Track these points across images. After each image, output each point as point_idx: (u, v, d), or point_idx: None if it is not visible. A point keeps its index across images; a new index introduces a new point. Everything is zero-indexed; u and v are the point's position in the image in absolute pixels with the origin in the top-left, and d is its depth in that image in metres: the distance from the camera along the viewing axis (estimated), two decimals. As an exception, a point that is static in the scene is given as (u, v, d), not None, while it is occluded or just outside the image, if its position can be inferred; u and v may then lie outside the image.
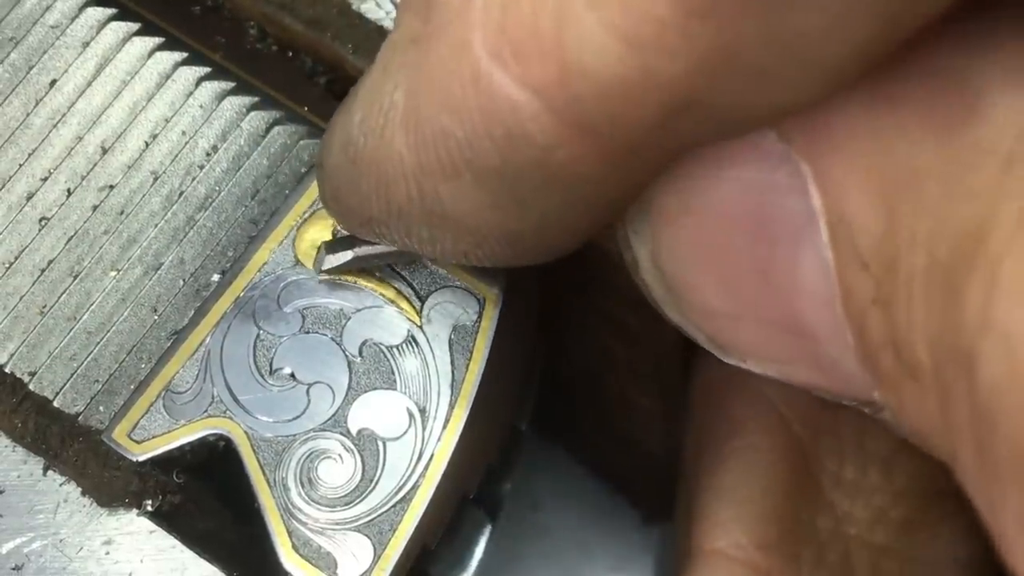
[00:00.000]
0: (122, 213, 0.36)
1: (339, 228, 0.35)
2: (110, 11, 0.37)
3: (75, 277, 0.35)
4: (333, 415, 0.34)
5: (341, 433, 0.34)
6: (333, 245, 0.35)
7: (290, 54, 0.39)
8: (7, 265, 0.35)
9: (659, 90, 0.23)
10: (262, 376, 0.34)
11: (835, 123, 0.24)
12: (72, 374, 0.35)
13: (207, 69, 0.37)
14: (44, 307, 0.35)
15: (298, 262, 0.35)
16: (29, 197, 0.36)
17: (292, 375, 0.35)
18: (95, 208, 0.36)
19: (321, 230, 0.36)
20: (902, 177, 0.23)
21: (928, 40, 0.23)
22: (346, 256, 0.34)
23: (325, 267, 0.35)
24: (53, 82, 0.37)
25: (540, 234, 0.28)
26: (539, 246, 0.29)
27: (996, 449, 0.22)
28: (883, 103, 0.24)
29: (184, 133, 0.36)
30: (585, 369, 0.44)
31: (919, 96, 0.23)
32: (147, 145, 0.36)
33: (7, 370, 0.35)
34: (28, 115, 0.36)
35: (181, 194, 0.36)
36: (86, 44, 0.37)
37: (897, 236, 0.23)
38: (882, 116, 0.24)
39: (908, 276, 0.23)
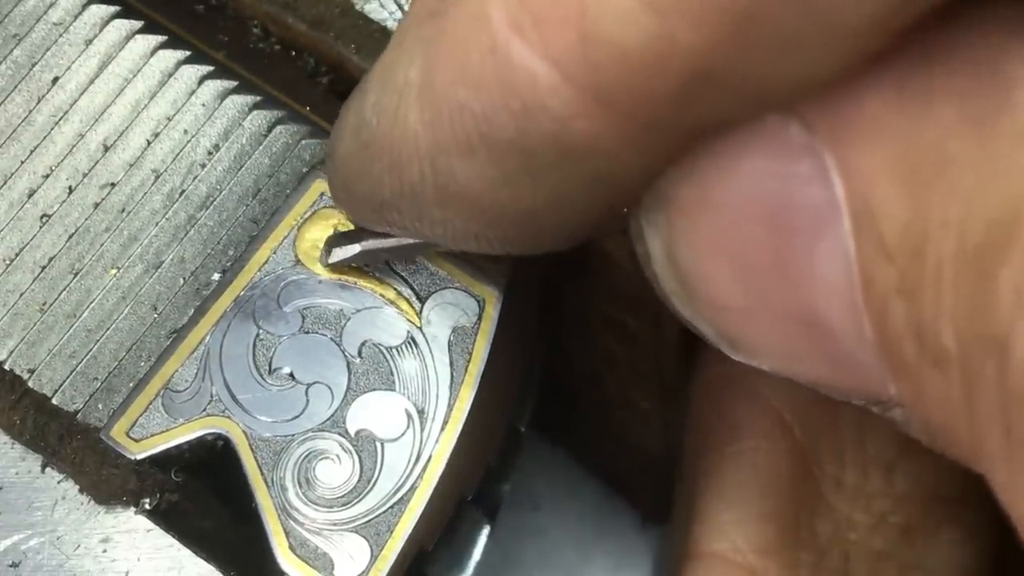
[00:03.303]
0: (123, 211, 0.36)
1: (340, 229, 0.35)
2: (113, 9, 0.37)
3: (75, 275, 0.35)
4: (332, 415, 0.34)
5: (339, 434, 0.34)
6: (340, 239, 0.35)
7: (293, 54, 0.39)
8: (8, 262, 0.35)
9: (681, 59, 0.23)
10: (261, 376, 0.34)
11: (861, 111, 0.24)
12: (71, 371, 0.35)
13: (209, 68, 0.37)
14: (44, 304, 0.35)
15: (298, 262, 0.35)
16: (30, 194, 0.36)
17: (291, 375, 0.35)
18: (96, 206, 0.36)
19: (322, 230, 0.36)
20: (932, 164, 0.23)
21: (959, 24, 0.23)
22: (353, 249, 0.34)
23: (332, 261, 0.35)
24: (55, 79, 0.37)
25: (552, 214, 0.28)
26: (552, 230, 0.28)
27: None
28: (912, 90, 0.23)
29: (186, 132, 0.36)
30: (585, 371, 0.44)
31: (951, 81, 0.23)
32: (149, 143, 0.36)
33: (6, 367, 0.35)
34: (30, 112, 0.36)
35: (182, 192, 0.36)
36: (89, 42, 0.37)
37: (925, 223, 0.23)
38: (911, 103, 0.23)
39: (936, 263, 0.23)
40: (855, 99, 0.24)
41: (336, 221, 0.36)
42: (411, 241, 0.33)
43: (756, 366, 0.28)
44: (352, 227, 0.35)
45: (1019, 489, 0.23)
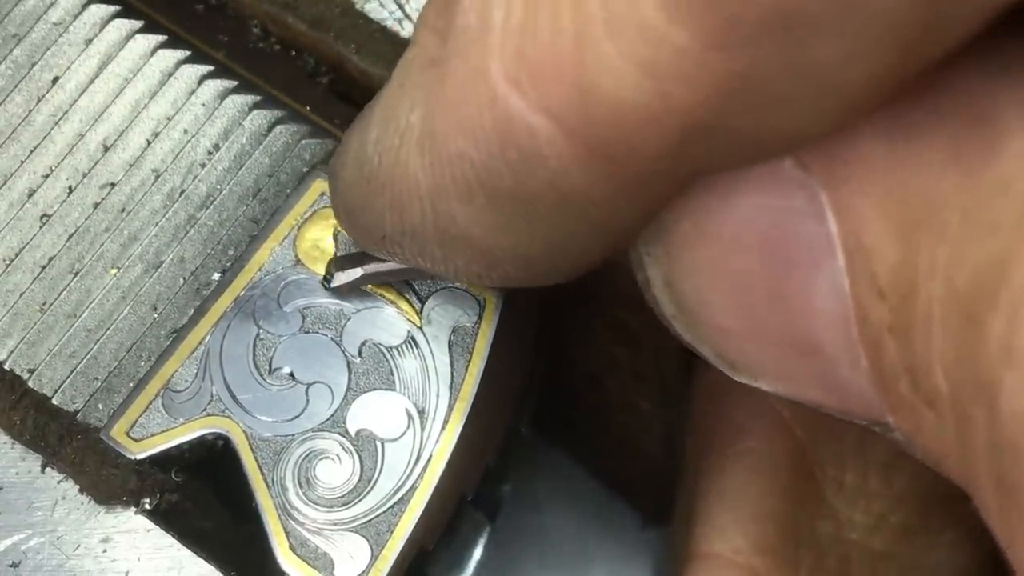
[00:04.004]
0: (123, 211, 0.36)
1: (341, 231, 0.35)
2: (113, 8, 0.37)
3: (75, 274, 0.35)
4: (332, 415, 0.34)
5: (340, 433, 0.34)
6: (342, 262, 0.35)
7: (293, 53, 0.39)
8: (8, 262, 0.35)
9: (675, 117, 0.23)
10: (261, 375, 0.34)
11: (854, 152, 0.24)
12: (71, 371, 0.35)
13: (209, 67, 0.37)
14: (44, 304, 0.35)
15: (298, 261, 0.35)
16: (30, 194, 0.36)
17: (291, 375, 0.34)
18: (96, 206, 0.36)
19: (322, 230, 0.36)
20: (921, 207, 0.23)
21: (951, 71, 0.23)
22: (355, 273, 0.34)
23: (335, 284, 0.35)
24: (55, 79, 0.37)
25: (552, 257, 0.28)
26: (551, 269, 0.29)
27: (1017, 480, 0.22)
28: (903, 133, 0.24)
29: (186, 131, 0.36)
30: (586, 372, 0.44)
31: (941, 127, 0.23)
32: (149, 143, 0.36)
33: (6, 367, 0.35)
34: (30, 112, 0.36)
35: (182, 192, 0.36)
36: (88, 41, 0.37)
37: (915, 265, 0.23)
38: (902, 146, 0.24)
39: (926, 305, 0.23)
40: (848, 139, 0.24)
41: (336, 222, 0.35)
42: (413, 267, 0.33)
43: (756, 387, 0.29)
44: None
45: (1012, 530, 0.23)
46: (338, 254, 0.35)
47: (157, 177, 0.36)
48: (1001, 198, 0.22)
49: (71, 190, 0.36)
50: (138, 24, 0.37)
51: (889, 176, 0.24)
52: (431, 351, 0.35)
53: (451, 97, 0.26)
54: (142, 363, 0.35)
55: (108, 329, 0.35)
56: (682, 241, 0.27)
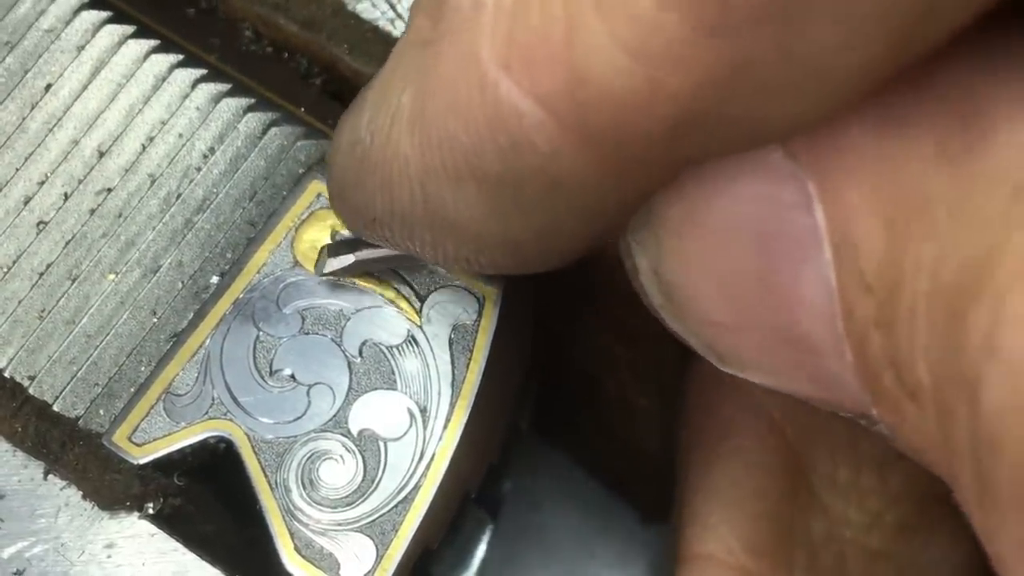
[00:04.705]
0: (120, 216, 0.36)
1: (338, 232, 0.35)
2: (105, 14, 0.37)
3: (73, 281, 0.35)
4: (334, 416, 0.34)
5: (342, 434, 0.34)
6: (335, 248, 0.35)
7: (285, 55, 0.39)
8: (5, 269, 0.35)
9: (666, 103, 0.23)
10: (262, 378, 0.34)
11: (843, 144, 0.24)
12: (72, 378, 0.34)
13: (203, 71, 0.37)
14: (43, 311, 0.35)
15: (297, 263, 0.35)
16: (26, 201, 0.36)
17: (292, 376, 0.34)
18: (93, 212, 0.36)
19: (319, 231, 0.36)
20: (909, 201, 0.23)
21: (941, 64, 0.23)
22: (348, 259, 0.34)
23: (326, 270, 0.35)
24: (48, 86, 0.37)
25: (542, 243, 0.28)
26: (540, 255, 0.29)
27: (997, 475, 0.22)
28: (893, 126, 0.24)
29: (181, 135, 0.36)
30: (585, 369, 0.44)
31: (930, 120, 0.23)
32: (144, 148, 0.36)
33: (6, 375, 0.34)
34: (24, 119, 0.36)
35: (179, 196, 0.36)
36: (81, 48, 0.37)
37: (901, 259, 0.23)
38: (891, 139, 0.24)
39: (911, 299, 0.23)
40: (837, 130, 0.24)
41: (332, 222, 0.36)
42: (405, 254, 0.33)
43: (744, 378, 0.29)
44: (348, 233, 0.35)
45: (991, 524, 0.23)
46: (330, 241, 0.35)
47: (153, 182, 0.36)
48: (988, 193, 0.22)
49: (67, 196, 0.36)
50: (130, 29, 0.37)
51: (878, 169, 0.24)
52: (432, 349, 0.35)
53: (442, 79, 0.26)
54: (142, 368, 0.35)
55: (108, 334, 0.35)
56: (669, 228, 0.27)
